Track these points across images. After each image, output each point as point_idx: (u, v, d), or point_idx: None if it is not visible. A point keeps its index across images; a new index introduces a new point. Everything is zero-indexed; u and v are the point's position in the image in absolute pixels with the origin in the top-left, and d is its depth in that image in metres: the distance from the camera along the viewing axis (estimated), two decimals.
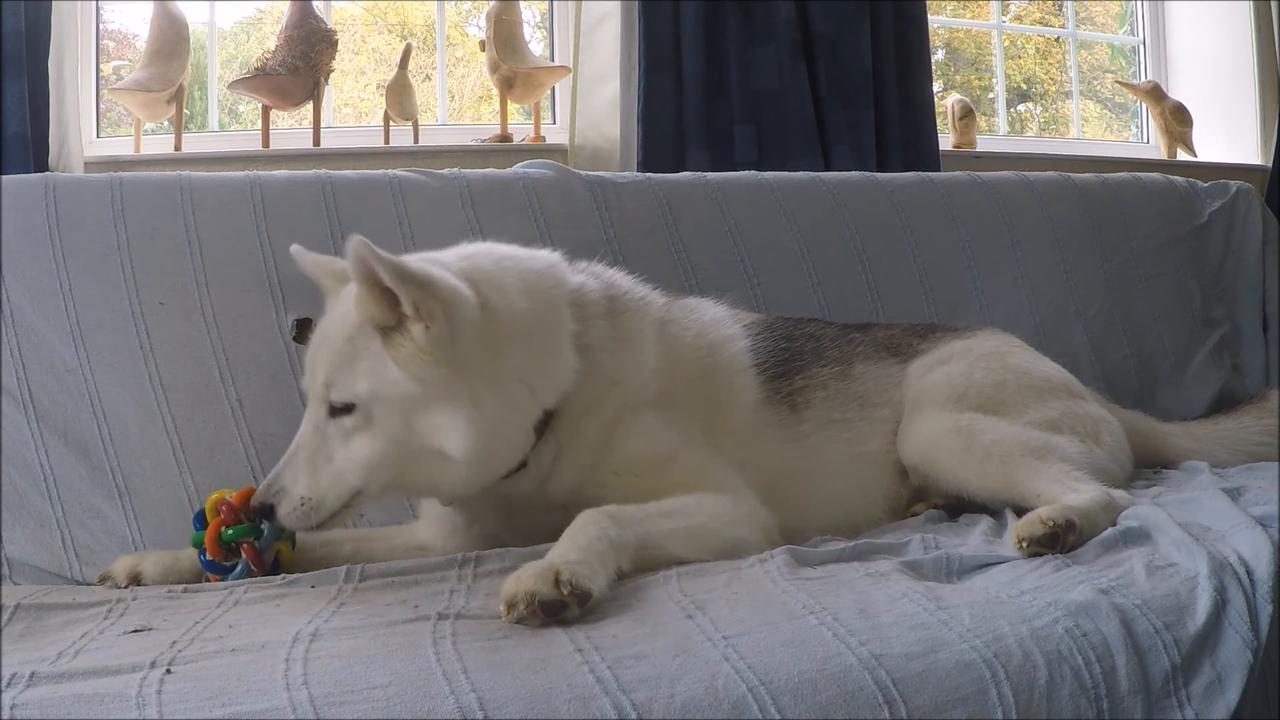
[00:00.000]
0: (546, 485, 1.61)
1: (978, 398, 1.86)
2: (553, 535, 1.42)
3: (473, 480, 1.53)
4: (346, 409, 1.48)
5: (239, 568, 1.57)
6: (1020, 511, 1.67)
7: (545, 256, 1.71)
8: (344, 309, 1.53)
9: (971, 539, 1.60)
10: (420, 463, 1.49)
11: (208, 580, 1.59)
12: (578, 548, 1.33)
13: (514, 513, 1.65)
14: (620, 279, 1.80)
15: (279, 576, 1.53)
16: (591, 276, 1.75)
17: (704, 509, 1.54)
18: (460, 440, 1.45)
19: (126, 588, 1.58)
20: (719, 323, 1.86)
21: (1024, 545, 1.46)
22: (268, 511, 1.49)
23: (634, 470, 1.59)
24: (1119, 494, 1.69)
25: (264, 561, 1.57)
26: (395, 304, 1.44)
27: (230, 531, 1.56)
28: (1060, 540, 1.47)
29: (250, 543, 1.56)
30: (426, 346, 1.44)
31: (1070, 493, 1.63)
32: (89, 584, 1.72)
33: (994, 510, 1.75)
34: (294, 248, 1.71)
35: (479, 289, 1.52)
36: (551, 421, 1.58)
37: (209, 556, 1.57)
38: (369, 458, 1.48)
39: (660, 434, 1.63)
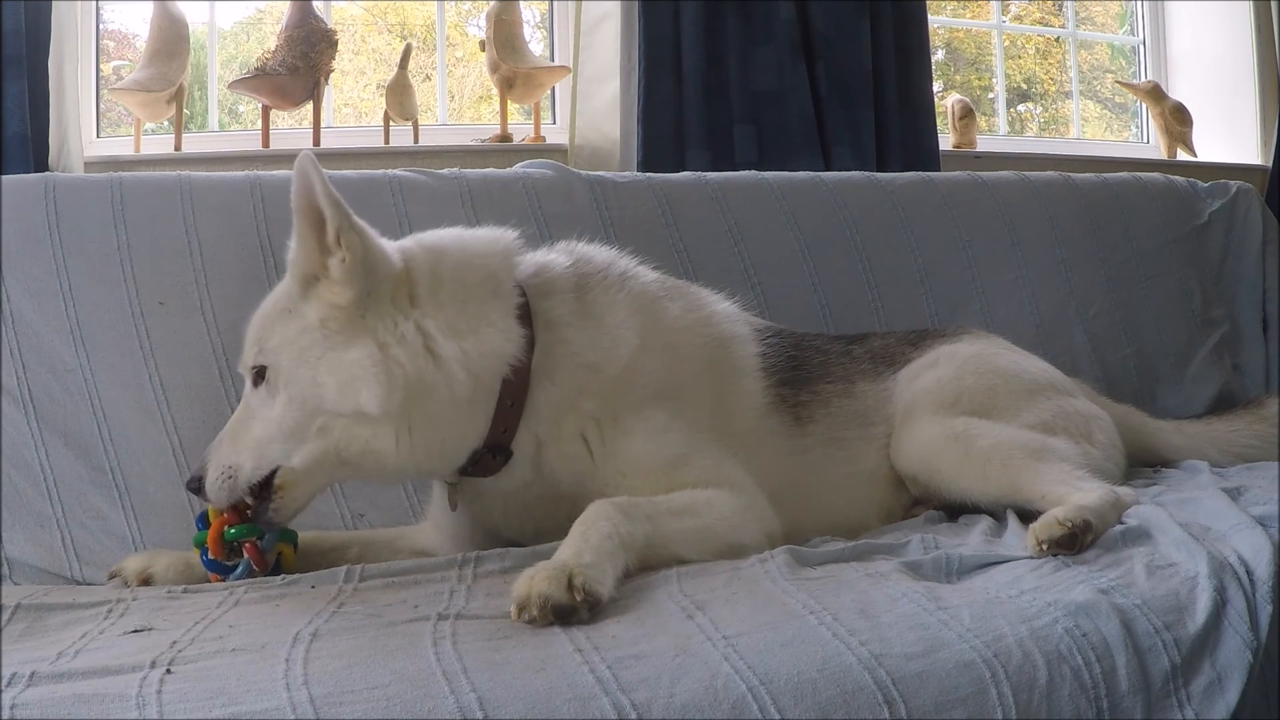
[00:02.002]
0: (541, 475, 1.59)
1: (970, 403, 1.85)
2: (559, 532, 1.41)
3: (410, 448, 1.48)
4: (262, 373, 1.50)
5: (240, 567, 1.56)
6: (1023, 513, 1.67)
7: (495, 232, 1.68)
8: (281, 283, 1.57)
9: (971, 539, 1.60)
10: (348, 432, 1.47)
11: (210, 581, 1.59)
12: (590, 548, 1.32)
13: (522, 507, 1.64)
14: (597, 254, 1.75)
15: (279, 577, 1.53)
16: (564, 254, 1.72)
17: (713, 509, 1.53)
18: (370, 390, 1.44)
19: (137, 587, 1.59)
20: (730, 319, 1.83)
21: (1044, 547, 1.45)
22: (197, 484, 1.51)
23: (643, 474, 1.56)
24: (1124, 491, 1.69)
25: (266, 562, 1.57)
26: (322, 246, 1.48)
27: (233, 530, 1.55)
28: (1079, 540, 1.46)
29: (253, 542, 1.55)
30: (338, 281, 1.46)
31: (1076, 492, 1.62)
32: (89, 584, 1.73)
33: (996, 514, 1.74)
34: None
35: (407, 252, 1.56)
36: (522, 408, 1.55)
37: (211, 555, 1.57)
38: (282, 419, 1.47)
39: (668, 433, 1.60)
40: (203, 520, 1.60)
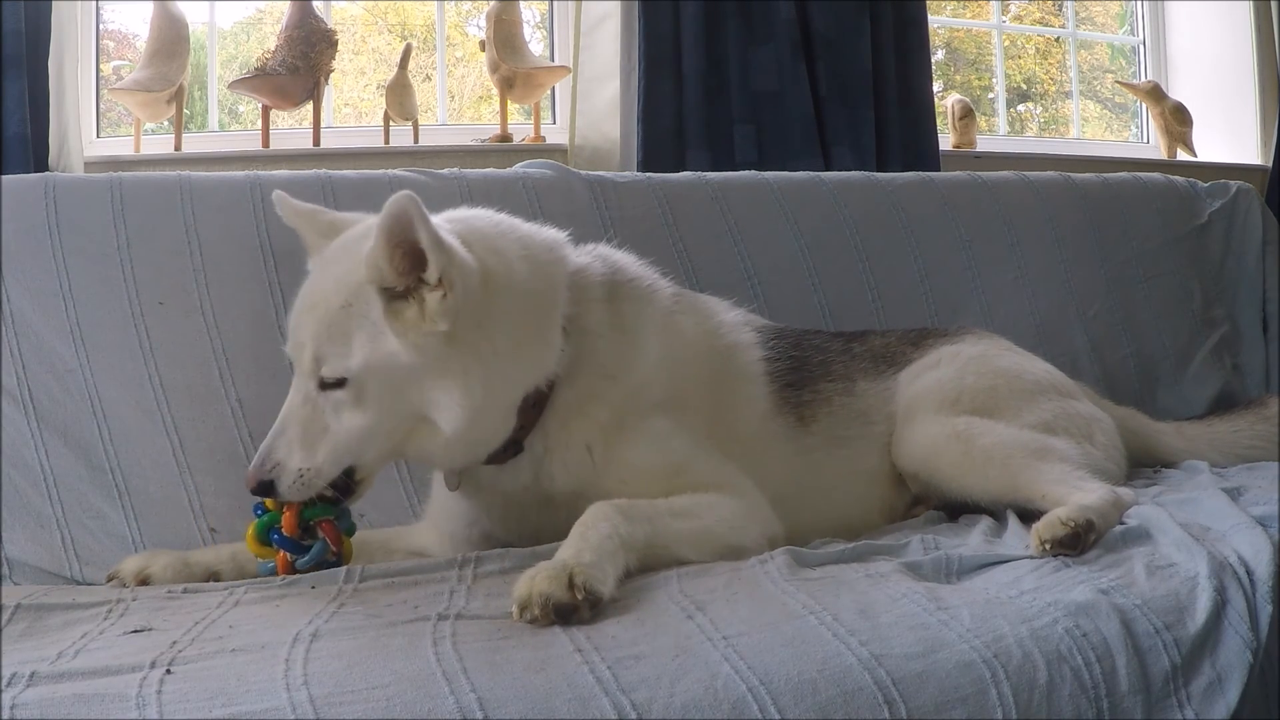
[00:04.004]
0: (541, 480, 1.60)
1: (971, 403, 1.85)
2: (556, 537, 1.41)
3: (458, 453, 1.54)
4: (338, 383, 1.47)
5: (316, 548, 1.55)
6: (1023, 513, 1.67)
7: (550, 231, 1.68)
8: (340, 271, 1.50)
9: (971, 539, 1.60)
10: (413, 431, 1.50)
11: (275, 563, 1.56)
12: (590, 547, 1.33)
13: (520, 510, 1.64)
14: (629, 264, 1.77)
15: (278, 577, 1.53)
16: (598, 259, 1.72)
17: (714, 511, 1.54)
18: (452, 416, 1.46)
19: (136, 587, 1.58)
20: (736, 327, 1.85)
21: (1047, 547, 1.45)
22: (268, 488, 1.47)
23: (644, 481, 1.56)
24: (1124, 491, 1.69)
25: (341, 541, 1.57)
26: (413, 267, 1.42)
27: (310, 511, 1.54)
28: (1082, 540, 1.46)
29: (330, 521, 1.55)
30: (435, 315, 1.43)
31: (1076, 492, 1.62)
32: (89, 584, 1.73)
33: (996, 513, 1.74)
34: (276, 193, 1.69)
35: (475, 253, 1.49)
36: (544, 408, 1.57)
37: (285, 533, 1.54)
38: (363, 430, 1.48)
39: (669, 440, 1.61)
40: (261, 507, 1.57)
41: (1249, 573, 1.35)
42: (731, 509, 1.55)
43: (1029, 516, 1.61)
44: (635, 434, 1.60)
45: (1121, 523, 1.56)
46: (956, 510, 1.80)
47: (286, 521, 1.54)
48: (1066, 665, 1.20)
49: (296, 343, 1.51)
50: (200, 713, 1.02)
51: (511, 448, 1.58)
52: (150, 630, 1.28)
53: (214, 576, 1.63)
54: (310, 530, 1.56)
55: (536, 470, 1.60)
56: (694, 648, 1.15)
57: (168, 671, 1.09)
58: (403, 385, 1.46)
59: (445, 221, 1.54)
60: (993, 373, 1.93)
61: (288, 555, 1.55)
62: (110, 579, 1.64)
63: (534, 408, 1.56)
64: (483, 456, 1.56)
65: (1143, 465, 2.11)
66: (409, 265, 1.43)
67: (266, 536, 1.56)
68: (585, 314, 1.62)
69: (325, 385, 1.48)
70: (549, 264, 1.61)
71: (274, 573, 1.56)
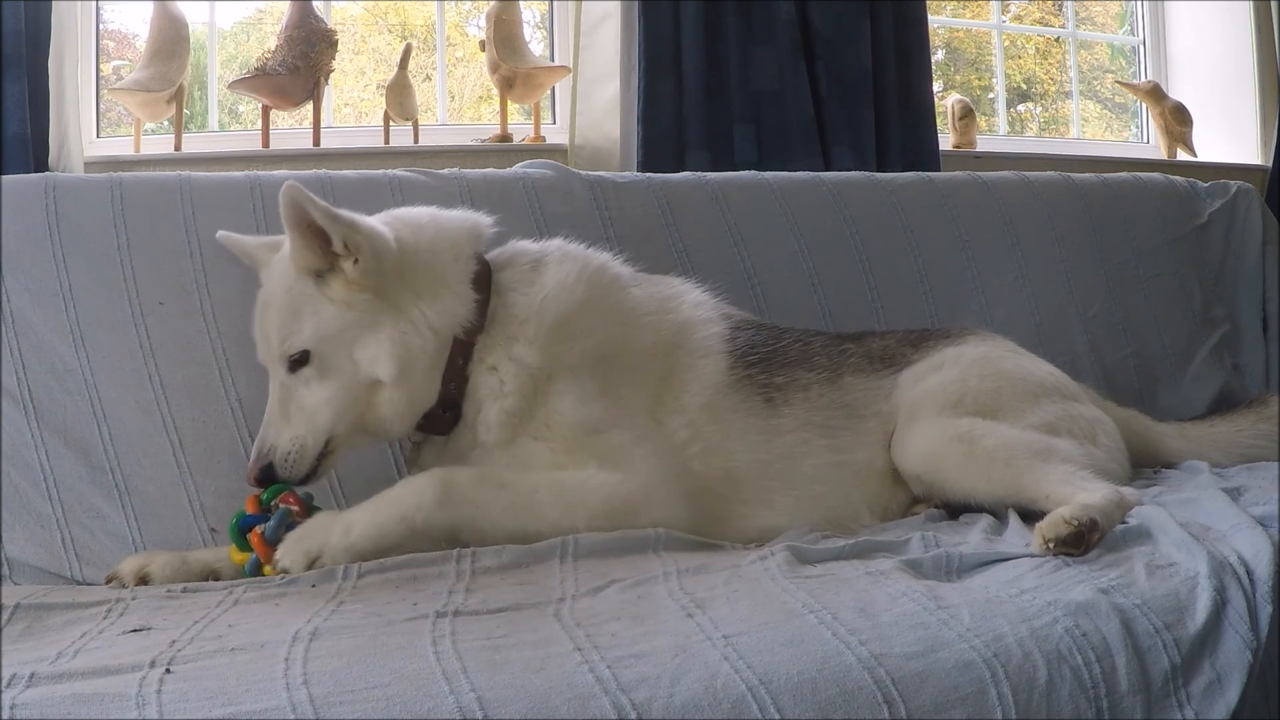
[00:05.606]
0: (480, 434, 1.71)
1: (974, 404, 1.85)
2: None
3: (402, 410, 1.69)
4: (303, 359, 1.65)
5: (278, 513, 1.61)
6: (1026, 514, 1.67)
7: (468, 213, 1.87)
8: (279, 270, 1.71)
9: (971, 537, 1.60)
10: (369, 397, 1.67)
11: (251, 544, 1.61)
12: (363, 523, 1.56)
13: (457, 460, 1.72)
14: (576, 249, 1.88)
15: (279, 576, 1.53)
16: (544, 244, 1.89)
17: (596, 495, 1.61)
18: (387, 364, 1.64)
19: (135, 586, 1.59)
20: (695, 304, 1.91)
21: (1050, 546, 1.45)
22: (268, 472, 1.63)
23: (561, 433, 1.68)
24: (1129, 491, 1.68)
25: (303, 504, 1.64)
26: (326, 246, 1.63)
27: (267, 493, 1.65)
28: (1085, 539, 1.45)
29: (290, 492, 1.64)
30: (355, 278, 1.64)
31: (1080, 492, 1.62)
32: (89, 584, 1.73)
33: (998, 514, 1.74)
34: (220, 234, 1.88)
35: (393, 227, 1.73)
36: (469, 365, 1.70)
37: (249, 511, 1.63)
38: (331, 397, 1.65)
39: (596, 403, 1.70)
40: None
41: (1249, 572, 1.35)
42: (610, 489, 1.62)
43: (1032, 518, 1.60)
44: (566, 387, 1.71)
45: (1122, 522, 1.56)
46: (958, 511, 1.80)
47: (249, 505, 1.64)
48: (1066, 665, 1.20)
49: (263, 340, 1.71)
50: (200, 712, 1.02)
51: (451, 412, 1.71)
52: (150, 630, 1.28)
53: (213, 575, 1.64)
54: (272, 509, 1.63)
55: (474, 427, 1.72)
56: (694, 647, 1.15)
57: (167, 671, 1.09)
58: (350, 346, 1.65)
59: (382, 215, 1.78)
60: (996, 375, 1.92)
61: (260, 530, 1.60)
62: (109, 580, 1.64)
63: (462, 365, 1.70)
64: (421, 413, 1.70)
65: (1145, 466, 2.11)
66: (323, 246, 1.64)
67: (238, 529, 1.63)
68: (504, 276, 1.79)
69: (293, 366, 1.66)
70: (456, 233, 1.79)
71: (259, 567, 1.59)
